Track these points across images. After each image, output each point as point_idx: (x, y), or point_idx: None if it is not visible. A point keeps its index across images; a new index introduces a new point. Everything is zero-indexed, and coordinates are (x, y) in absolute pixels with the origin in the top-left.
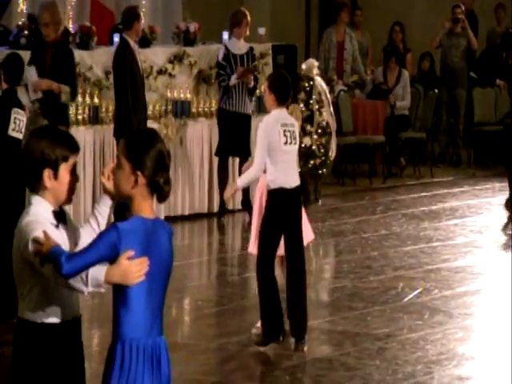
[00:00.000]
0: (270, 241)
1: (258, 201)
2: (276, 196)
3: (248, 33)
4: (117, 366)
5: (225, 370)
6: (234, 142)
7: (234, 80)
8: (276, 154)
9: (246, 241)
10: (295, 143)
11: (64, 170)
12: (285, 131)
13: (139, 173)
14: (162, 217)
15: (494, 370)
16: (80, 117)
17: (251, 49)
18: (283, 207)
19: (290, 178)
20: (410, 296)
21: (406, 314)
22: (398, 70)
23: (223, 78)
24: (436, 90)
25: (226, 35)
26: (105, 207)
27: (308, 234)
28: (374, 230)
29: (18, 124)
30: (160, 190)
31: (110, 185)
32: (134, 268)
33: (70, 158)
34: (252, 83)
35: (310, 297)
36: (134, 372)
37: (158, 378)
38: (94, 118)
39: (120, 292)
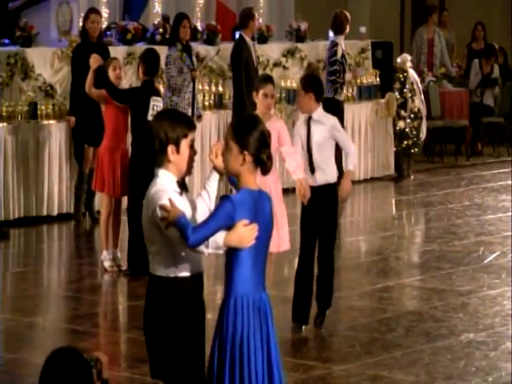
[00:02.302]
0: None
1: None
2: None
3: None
4: (230, 319)
5: (329, 320)
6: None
7: (349, 77)
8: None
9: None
10: None
11: (184, 145)
12: None
13: (246, 152)
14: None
15: None
16: (207, 103)
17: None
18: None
19: None
20: (490, 258)
21: (486, 273)
22: (491, 64)
23: (339, 74)
24: None
25: (331, 33)
26: (214, 182)
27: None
28: (459, 201)
29: (156, 110)
30: (264, 164)
31: (217, 161)
32: (247, 233)
33: (189, 135)
34: None
35: (404, 258)
36: (246, 324)
37: (266, 330)
38: (219, 104)
39: (233, 254)
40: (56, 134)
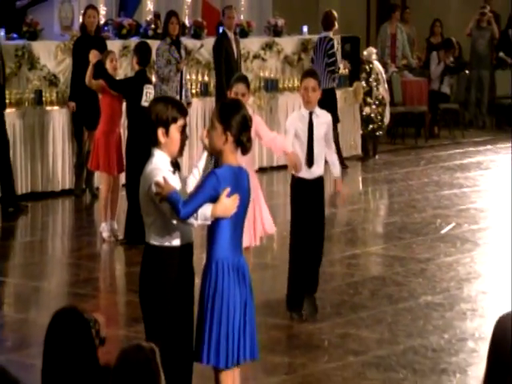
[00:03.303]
0: None
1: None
2: None
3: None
4: (212, 280)
5: None
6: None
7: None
8: None
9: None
10: None
11: (174, 129)
12: None
13: (228, 133)
14: (256, 167)
15: (510, 286)
16: (194, 91)
17: None
18: None
19: None
20: (446, 229)
21: (443, 242)
22: (450, 56)
23: (336, 64)
24: (467, 71)
25: (305, 28)
26: (203, 160)
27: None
28: (418, 178)
29: (149, 96)
30: (243, 145)
31: (207, 142)
32: (230, 203)
33: (179, 120)
34: None
35: (369, 229)
36: (227, 284)
37: (244, 288)
38: (205, 92)
39: (215, 223)
40: (59, 119)
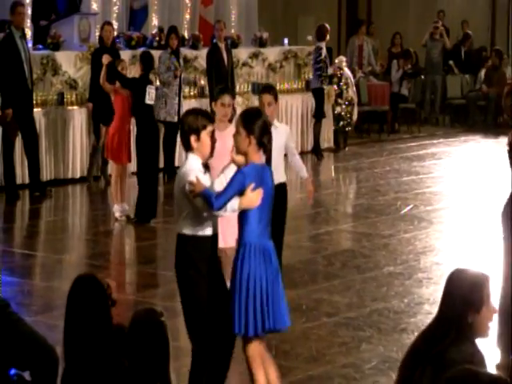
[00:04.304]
0: None
1: None
2: None
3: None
4: (240, 261)
5: (284, 256)
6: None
7: (330, 70)
8: None
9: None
10: None
11: (204, 135)
12: None
13: (251, 136)
14: None
15: (460, 258)
16: (192, 93)
17: None
18: None
19: None
20: (405, 210)
21: (402, 221)
22: (408, 63)
23: (324, 69)
24: (422, 76)
25: (286, 41)
26: (231, 171)
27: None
28: (382, 167)
29: (151, 96)
30: (265, 146)
31: (237, 158)
32: (255, 196)
33: (208, 127)
34: None
35: (340, 210)
36: (253, 265)
37: (271, 270)
38: (201, 94)
39: (244, 213)
40: (78, 117)
